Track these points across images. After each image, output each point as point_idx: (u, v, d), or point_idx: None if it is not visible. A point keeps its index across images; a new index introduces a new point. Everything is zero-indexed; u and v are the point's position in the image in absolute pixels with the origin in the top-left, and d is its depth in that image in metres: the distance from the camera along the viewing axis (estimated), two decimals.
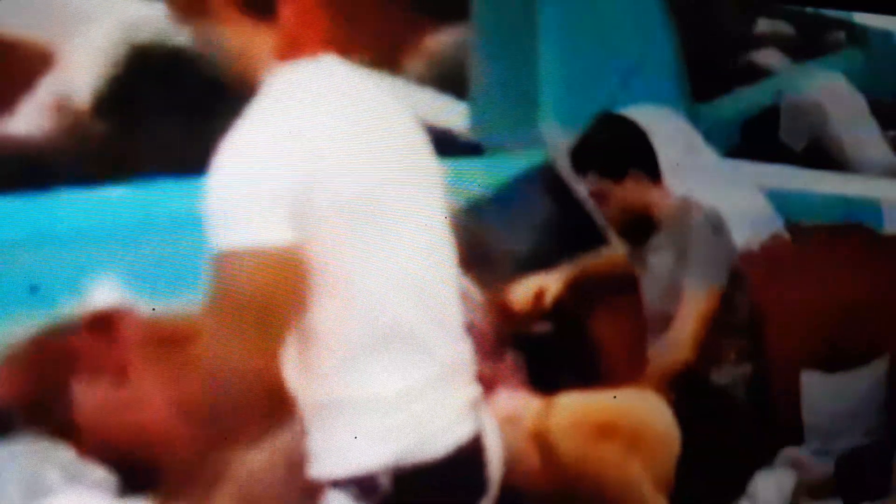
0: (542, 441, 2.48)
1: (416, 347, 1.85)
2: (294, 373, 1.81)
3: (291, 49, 1.82)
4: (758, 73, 3.00)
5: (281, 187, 1.70)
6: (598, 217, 2.80)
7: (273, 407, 1.80)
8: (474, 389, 1.96)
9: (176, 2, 1.86)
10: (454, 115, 2.57)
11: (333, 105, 1.82)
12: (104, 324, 2.08)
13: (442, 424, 1.89)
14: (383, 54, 2.35)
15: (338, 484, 1.83)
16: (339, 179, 1.76)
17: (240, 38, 1.81)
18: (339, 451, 1.83)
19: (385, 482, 1.81)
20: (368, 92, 1.92)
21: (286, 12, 1.82)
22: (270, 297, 1.70)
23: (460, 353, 1.94)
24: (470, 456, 1.94)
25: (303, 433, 1.87)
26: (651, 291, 2.79)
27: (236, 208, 1.69)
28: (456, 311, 1.95)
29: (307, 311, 1.75)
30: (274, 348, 1.71)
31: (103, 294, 2.07)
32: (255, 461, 1.99)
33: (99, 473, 2.10)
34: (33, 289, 2.05)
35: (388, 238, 1.82)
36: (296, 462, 1.91)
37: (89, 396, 2.04)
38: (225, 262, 1.69)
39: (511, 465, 2.41)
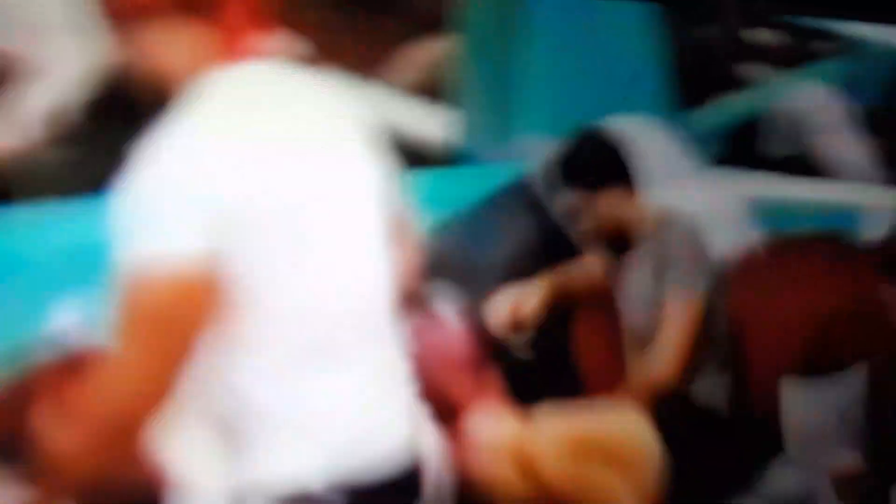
0: (523, 462, 2.40)
1: (348, 358, 1.74)
2: (222, 393, 1.70)
3: (228, 51, 1.71)
4: (744, 83, 2.94)
5: (200, 193, 1.58)
6: (576, 231, 2.70)
7: None
8: (408, 392, 1.86)
9: (114, 8, 1.73)
10: (436, 126, 2.48)
11: (269, 110, 1.72)
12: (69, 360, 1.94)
13: (377, 431, 1.79)
14: (367, 65, 2.27)
15: (271, 500, 1.73)
16: (269, 189, 1.65)
17: (180, 40, 1.70)
18: (276, 470, 1.72)
19: (321, 497, 1.71)
20: (312, 97, 1.80)
21: (225, 13, 1.71)
22: (177, 311, 1.59)
23: (392, 358, 1.83)
24: (407, 466, 1.84)
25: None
26: (630, 305, 2.70)
27: (148, 215, 1.57)
28: (389, 323, 1.85)
29: (215, 327, 1.63)
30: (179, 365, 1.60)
31: (67, 316, 1.93)
32: None
33: None
34: None
35: (318, 249, 1.71)
36: None
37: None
38: (132, 272, 1.56)
39: (492, 486, 2.35)
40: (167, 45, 1.70)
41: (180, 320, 1.58)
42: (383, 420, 1.81)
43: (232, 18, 1.70)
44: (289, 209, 1.67)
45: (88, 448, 1.62)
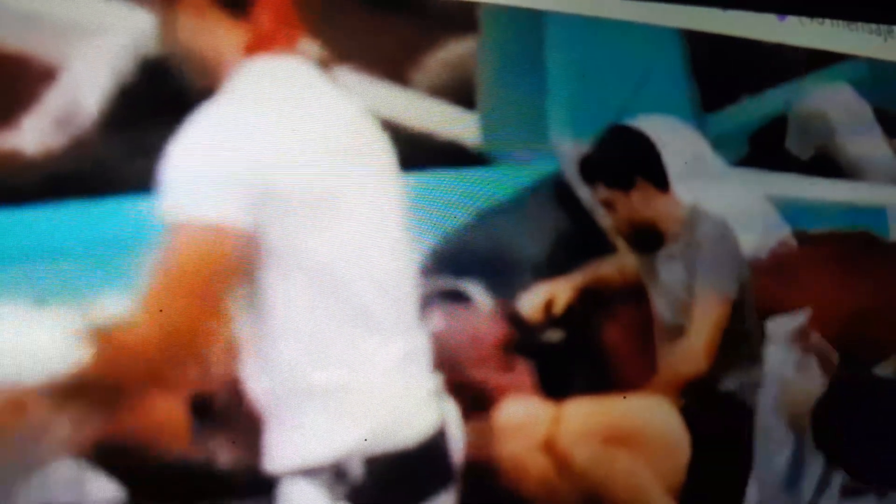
0: (552, 449, 2.40)
1: (379, 336, 1.78)
2: (253, 363, 1.74)
3: (260, 46, 1.76)
4: (765, 83, 2.91)
5: (241, 170, 1.63)
6: (608, 227, 2.69)
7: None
8: (435, 378, 1.89)
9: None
10: (463, 126, 2.47)
11: (294, 102, 1.76)
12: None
13: (408, 413, 1.83)
14: (391, 65, 2.27)
15: (306, 473, 1.75)
16: (298, 172, 1.70)
17: (211, 33, 1.75)
18: (306, 440, 1.76)
19: (355, 469, 1.73)
20: (330, 92, 1.85)
21: (259, 9, 1.76)
22: (213, 273, 1.63)
23: (419, 341, 1.87)
24: (436, 444, 1.87)
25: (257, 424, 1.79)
26: (661, 301, 2.69)
27: (193, 182, 1.62)
28: (414, 303, 1.89)
29: (254, 297, 1.68)
30: (212, 327, 1.64)
31: (110, 307, 1.95)
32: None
33: (109, 487, 1.98)
34: (38, 302, 1.94)
35: (348, 232, 1.76)
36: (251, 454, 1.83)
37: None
38: (174, 232, 1.61)
39: (522, 473, 2.36)
40: (199, 36, 1.75)
41: (215, 281, 1.62)
42: (416, 403, 1.84)
43: (262, 14, 1.75)
44: (315, 193, 1.71)
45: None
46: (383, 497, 1.82)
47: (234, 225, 1.65)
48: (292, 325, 1.73)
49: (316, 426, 1.76)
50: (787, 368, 2.71)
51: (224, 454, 1.92)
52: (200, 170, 1.64)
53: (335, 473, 1.76)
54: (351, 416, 1.77)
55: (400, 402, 1.83)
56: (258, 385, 1.76)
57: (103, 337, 1.73)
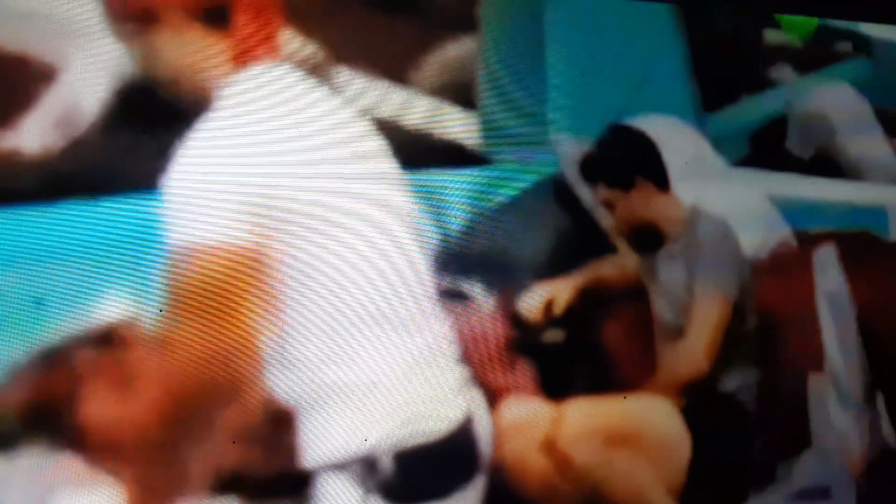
0: (553, 449, 2.39)
1: (399, 331, 1.79)
2: (278, 367, 1.75)
3: (246, 55, 1.76)
4: (766, 83, 2.91)
5: (241, 188, 1.64)
6: (608, 227, 2.69)
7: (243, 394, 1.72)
8: (461, 371, 1.90)
9: (124, 13, 1.78)
10: (464, 126, 2.47)
11: (288, 110, 1.77)
12: (110, 337, 1.97)
13: (434, 405, 1.85)
14: (391, 65, 2.27)
15: (337, 467, 1.76)
16: (301, 179, 1.70)
17: (195, 47, 1.75)
18: (336, 435, 1.76)
19: (385, 463, 1.75)
20: (322, 98, 1.85)
21: (240, 20, 1.76)
22: (228, 293, 1.64)
23: (441, 335, 1.88)
24: (463, 436, 1.88)
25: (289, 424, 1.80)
26: (661, 301, 2.68)
27: (194, 207, 1.63)
28: (430, 298, 1.90)
29: (269, 307, 1.69)
30: (236, 342, 1.64)
31: (109, 307, 1.95)
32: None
33: (107, 485, 1.98)
34: (38, 302, 1.94)
35: (355, 235, 1.76)
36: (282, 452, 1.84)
37: (96, 408, 1.93)
38: (182, 259, 1.62)
39: (522, 472, 2.36)
40: (179, 50, 1.74)
41: (231, 300, 1.63)
42: (441, 396, 1.85)
43: (242, 24, 1.74)
44: (319, 199, 1.71)
45: (158, 417, 1.67)
46: (413, 488, 1.83)
47: (240, 244, 1.65)
48: (311, 329, 1.74)
49: (344, 422, 1.78)
50: (835, 285, 2.72)
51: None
52: (201, 193, 1.64)
53: (365, 467, 1.77)
54: (378, 410, 1.78)
55: (425, 395, 1.85)
56: (282, 387, 1.77)
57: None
